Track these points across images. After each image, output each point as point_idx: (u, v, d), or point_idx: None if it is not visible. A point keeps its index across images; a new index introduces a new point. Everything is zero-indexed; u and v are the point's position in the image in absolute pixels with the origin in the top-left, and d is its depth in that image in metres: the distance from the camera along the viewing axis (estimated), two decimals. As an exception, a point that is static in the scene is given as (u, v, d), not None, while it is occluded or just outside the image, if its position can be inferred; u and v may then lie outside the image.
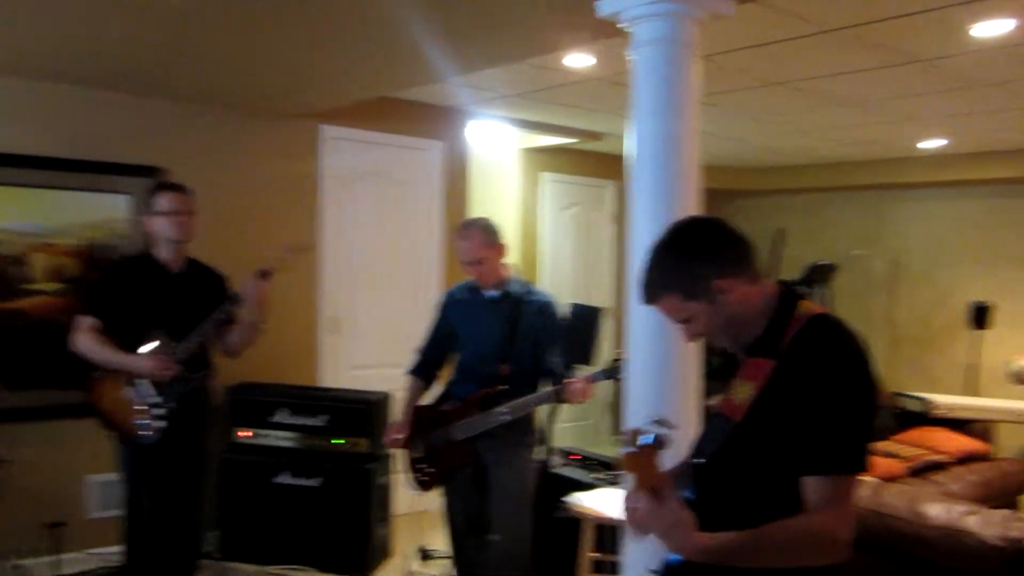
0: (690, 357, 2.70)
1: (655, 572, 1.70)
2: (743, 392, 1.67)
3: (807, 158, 7.06)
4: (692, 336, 1.77)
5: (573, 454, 4.14)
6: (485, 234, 3.44)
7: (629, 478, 1.56)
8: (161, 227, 3.53)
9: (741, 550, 1.53)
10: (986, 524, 2.74)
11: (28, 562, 3.73)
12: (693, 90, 2.72)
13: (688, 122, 2.70)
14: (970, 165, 6.55)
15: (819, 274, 5.98)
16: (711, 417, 1.82)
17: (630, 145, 2.75)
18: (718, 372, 1.94)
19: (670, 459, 1.84)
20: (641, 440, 1.53)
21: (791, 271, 6.32)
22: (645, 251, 1.77)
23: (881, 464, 4.19)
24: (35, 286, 4.17)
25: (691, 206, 2.69)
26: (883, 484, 3.24)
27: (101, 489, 4.24)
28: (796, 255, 6.61)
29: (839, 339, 1.62)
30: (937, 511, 2.87)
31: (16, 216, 4.12)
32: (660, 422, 1.57)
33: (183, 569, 3.80)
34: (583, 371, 3.26)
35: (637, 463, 1.54)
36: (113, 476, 3.64)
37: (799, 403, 1.56)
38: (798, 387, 1.57)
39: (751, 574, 1.57)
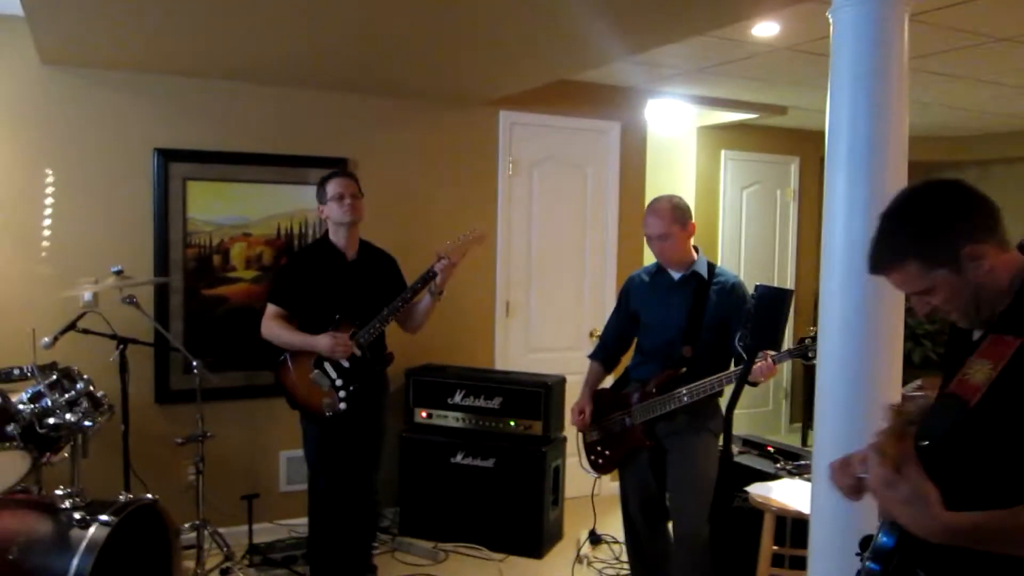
0: (892, 343, 2.49)
1: (868, 559, 1.56)
2: (981, 372, 1.51)
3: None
4: (927, 311, 1.61)
5: (754, 442, 3.95)
6: (675, 210, 3.36)
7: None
8: (332, 212, 3.69)
9: (993, 531, 1.38)
10: None
11: (225, 530, 3.99)
12: (901, 52, 2.47)
13: (896, 87, 2.47)
14: None
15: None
16: (937, 399, 1.66)
17: (829, 116, 2.56)
18: (919, 365, 1.76)
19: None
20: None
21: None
22: (876, 216, 1.62)
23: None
24: (235, 274, 4.45)
25: (899, 180, 2.46)
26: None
27: (292, 465, 4.49)
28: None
29: None
30: None
31: (219, 209, 4.41)
32: (908, 397, 1.45)
33: (363, 541, 3.95)
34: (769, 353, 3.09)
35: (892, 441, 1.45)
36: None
37: None
38: None
39: (967, 550, 1.42)
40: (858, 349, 2.47)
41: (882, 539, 1.55)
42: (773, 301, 2.79)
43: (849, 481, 1.61)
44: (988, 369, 1.50)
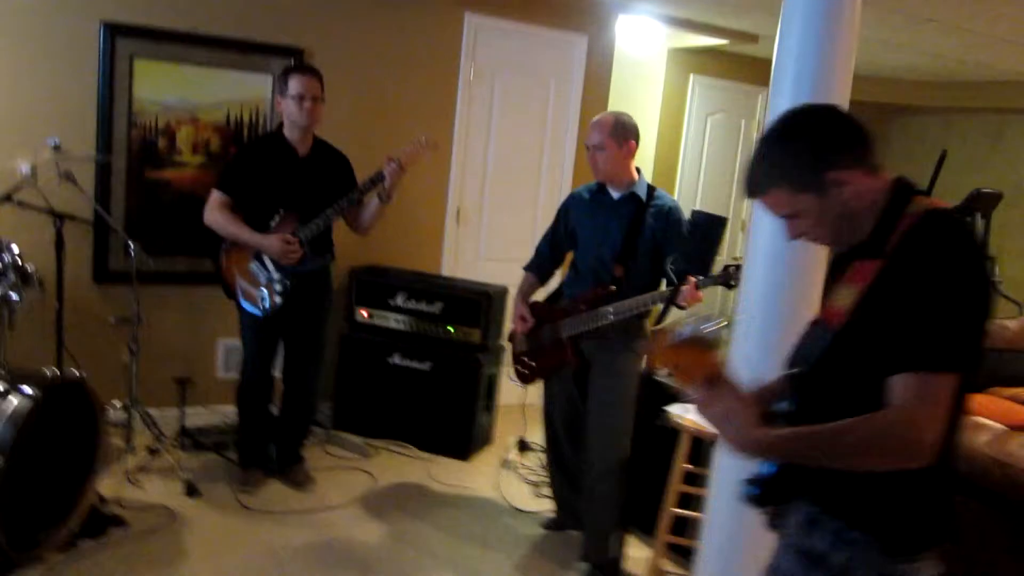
0: (813, 273, 2.54)
1: (748, 483, 1.63)
2: (845, 297, 1.56)
3: (994, 73, 6.35)
4: (796, 234, 1.64)
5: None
6: (617, 125, 3.37)
7: (674, 373, 1.54)
8: (289, 110, 3.62)
9: (804, 443, 1.44)
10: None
11: (157, 412, 4.04)
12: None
13: (847, 22, 2.44)
14: None
15: (980, 202, 5.43)
16: (808, 327, 1.71)
17: (778, 44, 2.54)
18: None
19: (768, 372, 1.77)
20: (679, 334, 1.50)
21: (952, 197, 5.82)
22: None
23: (1012, 411, 3.88)
24: (181, 158, 4.38)
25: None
26: (1009, 433, 3.00)
27: (230, 352, 4.52)
28: (960, 181, 6.06)
29: (952, 235, 1.45)
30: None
31: (166, 90, 4.30)
32: (704, 318, 1.52)
33: (294, 432, 4.05)
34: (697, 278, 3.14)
35: (672, 358, 1.52)
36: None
37: (900, 300, 1.43)
38: (901, 285, 1.44)
39: (847, 475, 1.49)
40: (781, 276, 2.52)
41: (763, 466, 1.61)
42: (708, 227, 2.84)
43: None
44: (852, 294, 1.54)
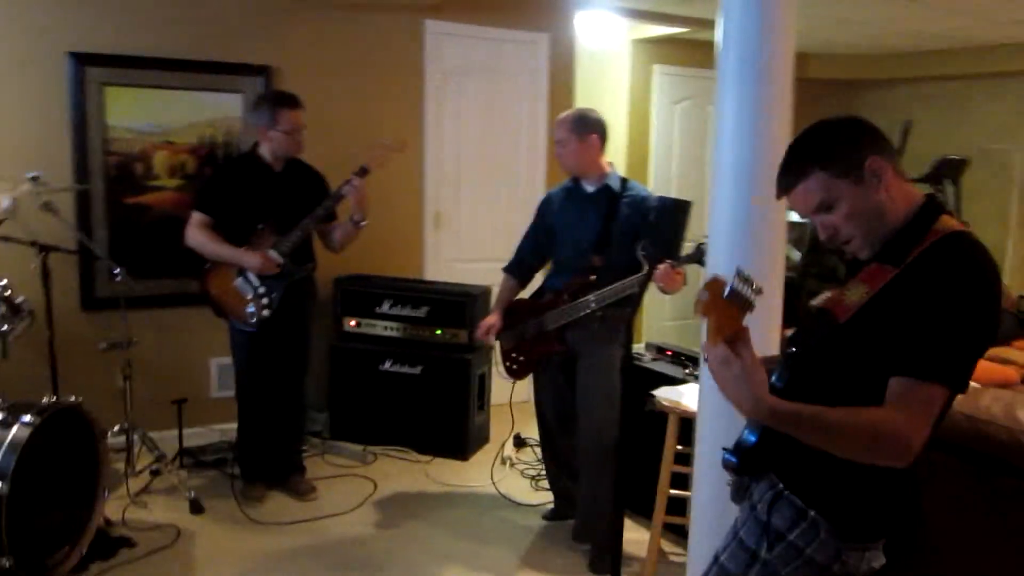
0: (773, 248, 2.63)
1: (728, 450, 1.68)
2: (855, 294, 1.62)
3: (951, 42, 6.47)
4: (829, 230, 1.66)
5: (667, 349, 4.14)
6: (578, 120, 3.47)
7: (705, 324, 1.53)
8: (279, 143, 3.70)
9: (805, 421, 1.49)
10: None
11: (156, 434, 4.09)
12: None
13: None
14: None
15: (948, 169, 5.58)
16: (813, 313, 1.76)
17: (722, 26, 2.60)
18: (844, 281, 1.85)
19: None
20: (725, 290, 1.49)
21: (918, 167, 5.95)
22: (763, 129, 1.70)
23: (994, 370, 3.99)
24: (157, 182, 4.43)
25: (782, 94, 2.54)
26: (982, 389, 3.10)
27: (223, 371, 4.56)
28: (927, 150, 6.19)
29: (970, 258, 1.54)
30: (1036, 417, 2.73)
31: (139, 116, 4.36)
32: (746, 279, 1.49)
33: (291, 442, 4.10)
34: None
35: (712, 309, 1.50)
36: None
37: (909, 309, 1.51)
38: (915, 294, 1.52)
39: (815, 459, 1.55)
40: (742, 254, 2.59)
41: (746, 434, 1.67)
42: (673, 211, 2.91)
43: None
44: (863, 292, 1.60)
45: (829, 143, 1.63)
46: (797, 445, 1.52)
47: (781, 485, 1.71)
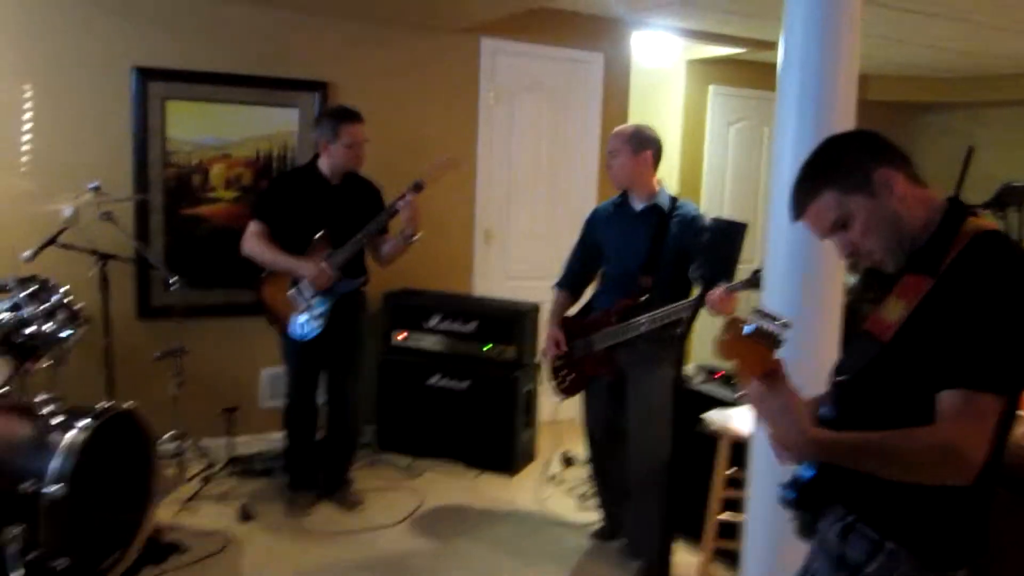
0: (833, 272, 2.58)
1: (785, 486, 1.64)
2: (894, 311, 1.57)
3: (1015, 64, 6.32)
4: (848, 247, 1.64)
5: (718, 372, 4.07)
6: (635, 135, 3.46)
7: (734, 366, 1.52)
8: (341, 157, 3.76)
9: (853, 450, 1.46)
10: None
11: (206, 442, 4.14)
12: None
13: (847, 18, 2.48)
14: None
15: (1012, 196, 5.41)
16: (857, 336, 1.72)
17: (783, 49, 2.58)
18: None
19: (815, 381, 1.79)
20: (746, 329, 1.49)
21: (981, 193, 5.80)
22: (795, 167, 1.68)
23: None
24: (214, 194, 4.51)
25: (846, 114, 2.50)
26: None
27: (273, 381, 4.61)
28: (990, 174, 6.03)
29: (1006, 257, 1.49)
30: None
31: (198, 129, 4.45)
32: (766, 315, 1.49)
33: (341, 454, 4.12)
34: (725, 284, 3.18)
35: (734, 349, 1.50)
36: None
37: (951, 319, 1.46)
38: (953, 303, 1.47)
39: (888, 487, 1.50)
40: (801, 280, 2.55)
41: (802, 469, 1.62)
42: (727, 233, 2.86)
43: None
44: (901, 308, 1.55)
45: (835, 160, 1.62)
46: (863, 474, 1.47)
47: (851, 517, 1.64)
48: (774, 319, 1.49)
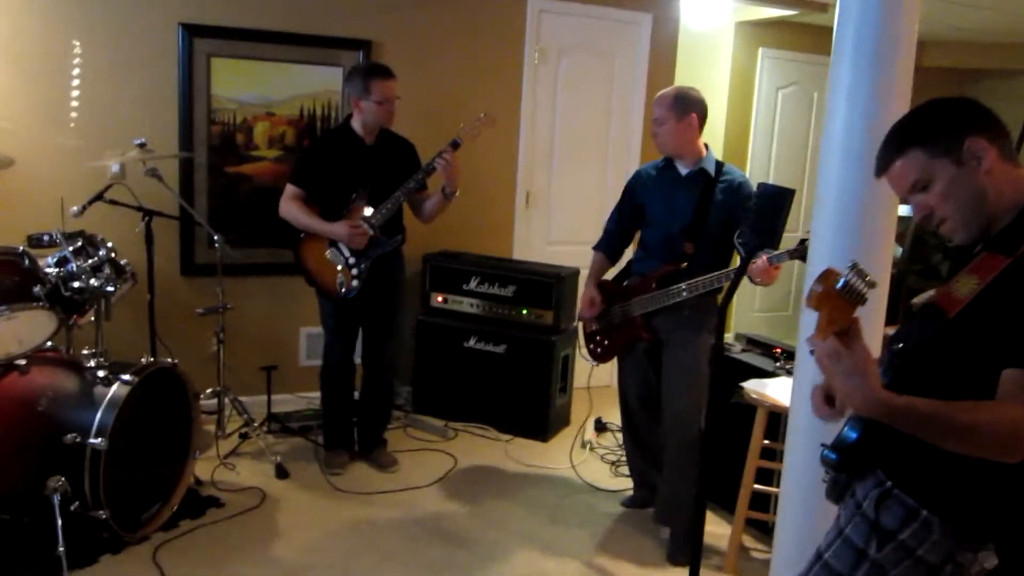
0: (880, 244, 2.51)
1: (828, 447, 1.63)
2: (966, 286, 1.55)
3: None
4: (924, 210, 1.61)
5: (757, 340, 4.02)
6: (678, 99, 3.37)
7: (815, 317, 1.50)
8: (371, 113, 3.74)
9: (920, 416, 1.44)
10: None
11: (245, 399, 4.20)
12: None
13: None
14: None
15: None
16: (920, 308, 1.69)
17: (839, 9, 2.49)
18: (947, 278, 1.76)
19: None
20: (839, 283, 1.46)
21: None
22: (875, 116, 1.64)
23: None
24: (257, 152, 4.53)
25: (904, 79, 2.41)
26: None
27: (312, 340, 4.66)
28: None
29: None
30: None
31: (243, 87, 4.45)
32: (860, 272, 1.46)
33: (377, 415, 4.16)
34: (768, 253, 3.12)
35: (825, 302, 1.48)
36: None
37: (1021, 299, 1.44)
38: None
39: (930, 457, 1.49)
40: (850, 249, 2.48)
41: (847, 431, 1.61)
42: (774, 199, 2.79)
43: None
44: (974, 284, 1.53)
45: (929, 122, 1.60)
46: (907, 442, 1.47)
47: (889, 483, 1.63)
48: (864, 276, 1.46)
